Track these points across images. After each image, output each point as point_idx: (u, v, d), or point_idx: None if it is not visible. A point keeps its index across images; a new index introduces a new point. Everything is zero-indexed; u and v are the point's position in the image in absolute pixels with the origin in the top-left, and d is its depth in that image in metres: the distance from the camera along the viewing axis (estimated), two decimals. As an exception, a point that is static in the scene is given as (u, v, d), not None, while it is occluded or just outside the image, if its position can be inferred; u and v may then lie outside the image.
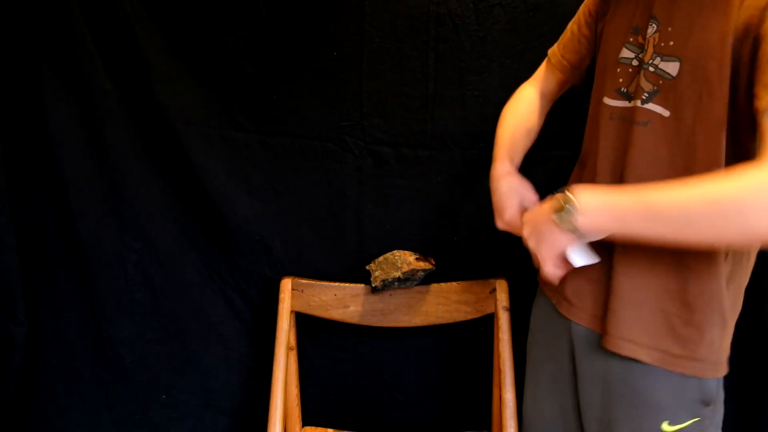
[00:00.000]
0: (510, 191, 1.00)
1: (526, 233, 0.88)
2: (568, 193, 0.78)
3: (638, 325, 0.87)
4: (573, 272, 0.94)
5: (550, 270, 0.87)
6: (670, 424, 0.86)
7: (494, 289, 1.29)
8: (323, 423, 1.43)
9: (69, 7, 1.22)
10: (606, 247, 0.89)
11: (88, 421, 1.43)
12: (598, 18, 0.99)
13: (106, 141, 1.29)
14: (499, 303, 1.28)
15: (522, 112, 1.10)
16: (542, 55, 1.23)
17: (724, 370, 0.86)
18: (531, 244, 0.87)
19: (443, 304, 1.32)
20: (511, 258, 1.24)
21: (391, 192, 1.34)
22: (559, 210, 0.79)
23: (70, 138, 1.28)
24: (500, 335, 1.24)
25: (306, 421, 1.42)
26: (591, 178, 0.93)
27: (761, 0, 0.71)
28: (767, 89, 0.69)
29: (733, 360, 1.33)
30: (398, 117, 1.30)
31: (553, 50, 1.08)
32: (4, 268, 1.31)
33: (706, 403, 0.86)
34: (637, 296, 0.86)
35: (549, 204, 0.82)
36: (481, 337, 1.37)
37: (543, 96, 1.10)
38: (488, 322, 1.31)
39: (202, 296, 1.40)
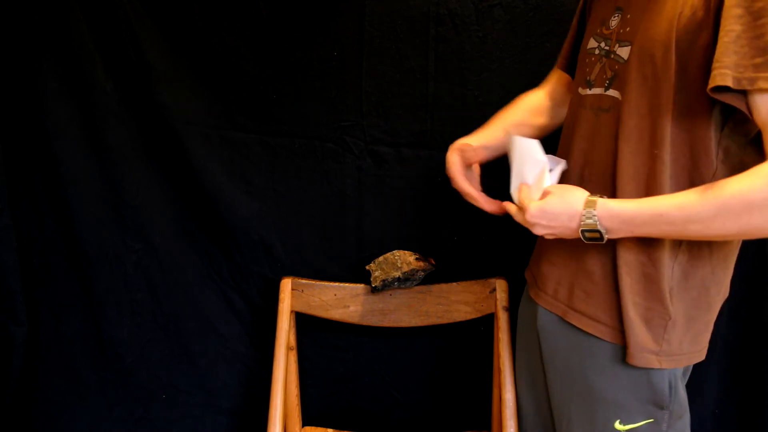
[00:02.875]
0: (488, 134, 1.06)
1: (537, 223, 0.84)
2: (594, 217, 0.79)
3: (593, 301, 0.88)
4: (543, 256, 0.98)
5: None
6: (622, 422, 0.87)
7: (494, 289, 1.29)
8: (323, 423, 1.43)
9: (69, 7, 1.22)
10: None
11: (89, 421, 1.43)
12: (582, 18, 1.02)
13: (106, 141, 1.29)
14: (499, 303, 1.28)
15: (520, 106, 1.11)
16: (542, 55, 1.23)
17: (671, 364, 0.85)
18: (541, 232, 0.85)
19: (443, 304, 1.32)
20: (511, 258, 1.24)
21: (391, 192, 1.34)
22: (588, 230, 0.80)
23: (70, 138, 1.28)
24: (500, 335, 1.24)
25: (306, 421, 1.42)
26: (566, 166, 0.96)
27: None
28: (747, 65, 0.68)
29: (733, 360, 1.34)
30: (398, 117, 1.30)
31: (560, 53, 1.10)
32: (5, 268, 1.31)
33: (659, 405, 0.86)
34: (595, 276, 0.88)
35: (576, 218, 0.81)
36: (481, 337, 1.37)
37: (551, 97, 1.11)
38: (488, 322, 1.31)
39: (202, 296, 1.40)
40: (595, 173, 0.87)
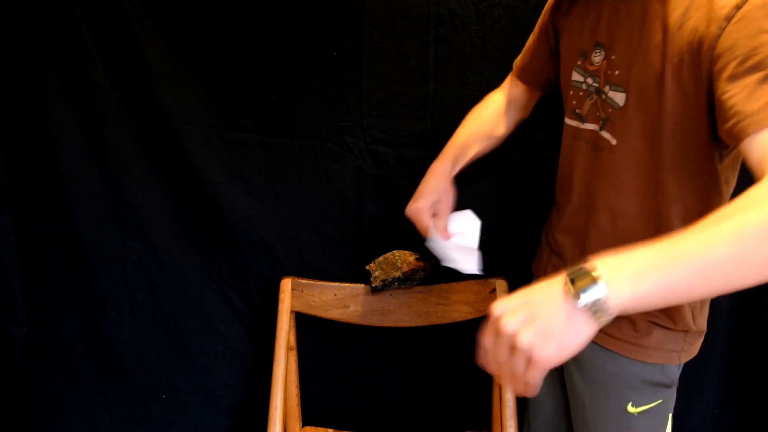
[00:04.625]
0: (435, 188, 1.09)
1: (513, 321, 0.57)
2: (586, 264, 0.56)
3: None
4: (552, 253, 0.99)
5: (537, 381, 0.57)
6: (634, 405, 0.90)
7: (494, 289, 1.29)
8: (323, 423, 1.42)
9: (69, 7, 1.22)
10: (579, 237, 0.93)
11: (88, 421, 1.43)
12: (551, 31, 1.00)
13: (106, 141, 1.29)
14: (499, 303, 1.28)
15: (485, 116, 1.13)
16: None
17: (687, 357, 0.90)
18: (526, 337, 0.55)
19: (443, 304, 1.32)
20: (511, 258, 1.24)
21: (391, 192, 1.34)
22: (582, 285, 0.55)
23: (70, 138, 1.28)
24: (500, 335, 1.24)
25: (306, 421, 1.42)
26: (567, 199, 0.96)
27: (701, 24, 0.68)
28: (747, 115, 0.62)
29: (733, 360, 1.34)
30: (398, 117, 1.30)
31: (516, 61, 1.12)
32: (5, 268, 1.31)
33: (668, 386, 0.91)
34: None
35: (559, 278, 0.57)
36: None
37: (510, 103, 1.12)
38: (488, 322, 1.31)
39: (202, 296, 1.40)
40: (600, 204, 0.88)
